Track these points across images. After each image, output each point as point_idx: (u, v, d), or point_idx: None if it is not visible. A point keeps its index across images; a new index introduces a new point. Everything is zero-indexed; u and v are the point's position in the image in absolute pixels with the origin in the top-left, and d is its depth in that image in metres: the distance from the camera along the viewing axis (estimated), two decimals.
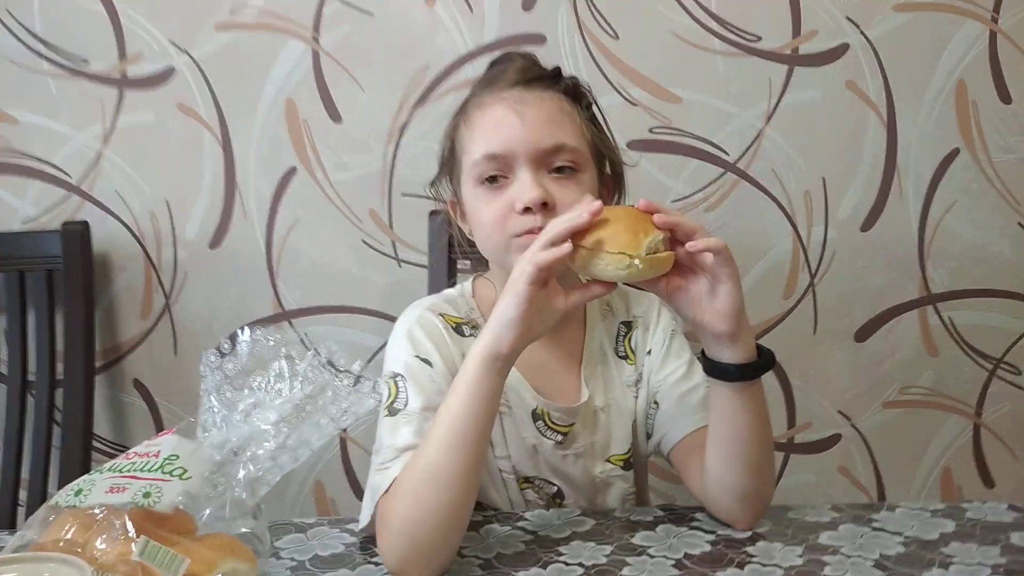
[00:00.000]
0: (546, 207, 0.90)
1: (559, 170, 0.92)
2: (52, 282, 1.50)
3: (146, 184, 1.53)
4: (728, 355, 0.84)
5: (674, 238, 0.83)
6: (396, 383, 0.94)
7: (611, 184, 1.04)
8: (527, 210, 0.90)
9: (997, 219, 1.52)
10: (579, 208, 0.82)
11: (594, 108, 1.03)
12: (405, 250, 1.54)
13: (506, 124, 0.91)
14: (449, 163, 1.03)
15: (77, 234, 1.47)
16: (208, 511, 0.85)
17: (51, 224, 1.53)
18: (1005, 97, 1.49)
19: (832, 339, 1.55)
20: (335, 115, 1.50)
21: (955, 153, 1.51)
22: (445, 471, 0.83)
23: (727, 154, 1.50)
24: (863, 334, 1.55)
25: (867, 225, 1.53)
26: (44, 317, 1.50)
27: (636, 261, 0.80)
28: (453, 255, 1.40)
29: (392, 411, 0.93)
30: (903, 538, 0.91)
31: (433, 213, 1.44)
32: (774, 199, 1.52)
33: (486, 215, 0.94)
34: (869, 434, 1.59)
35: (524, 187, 0.91)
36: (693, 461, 0.95)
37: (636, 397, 1.04)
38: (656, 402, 1.02)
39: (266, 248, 1.54)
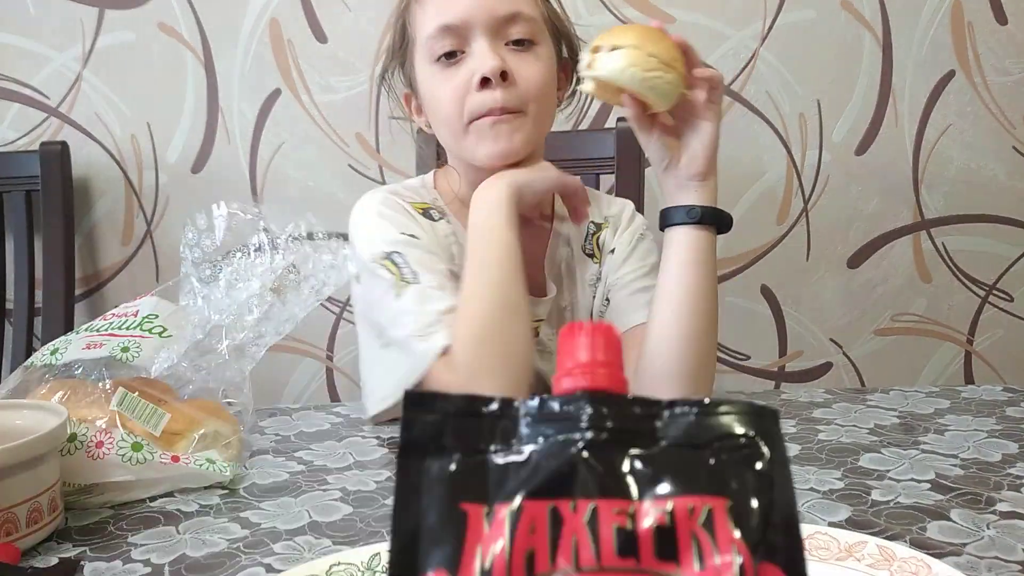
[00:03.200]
0: (505, 79, 0.86)
1: (517, 43, 0.88)
2: (31, 204, 1.46)
3: (127, 107, 1.50)
4: (695, 197, 0.82)
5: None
6: (393, 260, 0.88)
7: (569, 69, 1.00)
8: (485, 83, 0.86)
9: (991, 143, 1.51)
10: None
11: None
12: (392, 175, 1.51)
13: None
14: (400, 48, 0.97)
15: (55, 153, 1.43)
16: (191, 387, 0.82)
17: (30, 148, 1.49)
18: (1001, 18, 1.47)
19: (825, 266, 1.53)
20: (320, 35, 1.47)
21: (950, 75, 1.49)
22: (514, 299, 0.82)
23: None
24: (856, 260, 1.54)
25: (861, 149, 1.51)
26: (23, 242, 1.46)
27: (663, 71, 0.74)
28: None
29: (403, 286, 0.86)
30: (898, 412, 0.89)
31: (420, 132, 1.41)
32: (768, 122, 1.50)
33: (443, 94, 0.88)
34: (860, 362, 1.57)
35: (481, 57, 0.86)
36: (631, 355, 0.91)
37: (594, 297, 1.01)
38: (608, 299, 0.99)
39: (250, 173, 1.51)
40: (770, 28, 1.47)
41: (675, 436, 0.30)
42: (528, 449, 0.30)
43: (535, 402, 0.31)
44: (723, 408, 0.31)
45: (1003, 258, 1.55)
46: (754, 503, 0.29)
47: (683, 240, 0.83)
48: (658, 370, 0.84)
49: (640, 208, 1.12)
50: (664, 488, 0.29)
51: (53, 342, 0.75)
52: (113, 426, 0.68)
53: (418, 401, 0.31)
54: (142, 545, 0.63)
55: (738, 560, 0.28)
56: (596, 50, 0.77)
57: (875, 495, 0.68)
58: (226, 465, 0.72)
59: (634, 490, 0.29)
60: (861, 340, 1.56)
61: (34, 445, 0.61)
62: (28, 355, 1.47)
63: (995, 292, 1.56)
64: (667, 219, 0.85)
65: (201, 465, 0.71)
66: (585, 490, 0.29)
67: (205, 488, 0.72)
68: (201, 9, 1.46)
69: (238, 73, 1.49)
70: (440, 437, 0.30)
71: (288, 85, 1.48)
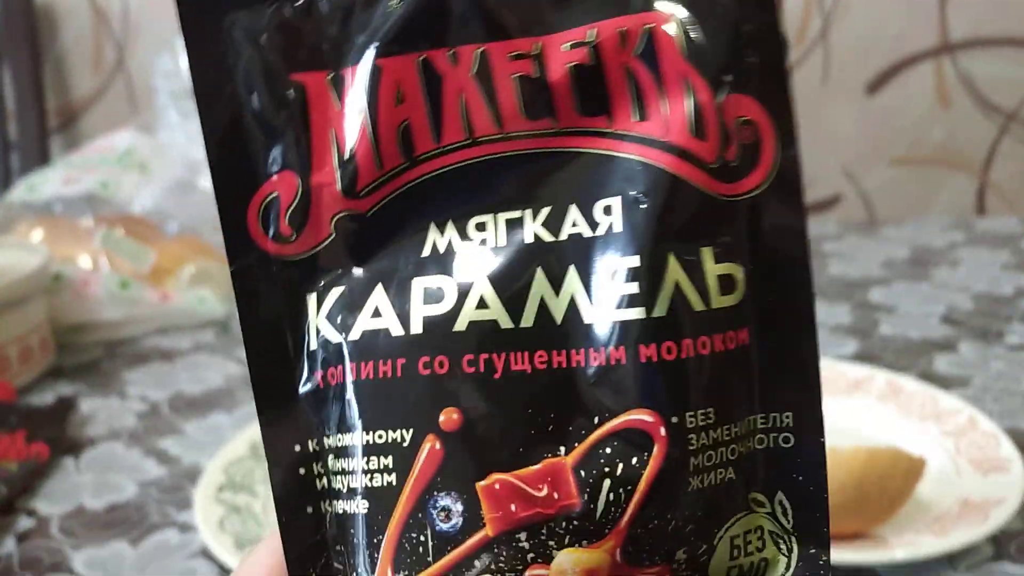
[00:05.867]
0: None
1: None
2: None
3: None
4: None
5: None
6: None
7: None
8: None
9: None
10: None
11: None
12: None
13: None
14: None
15: None
16: (176, 224, 0.79)
17: None
18: None
19: (843, 91, 1.45)
20: None
21: None
22: None
23: None
24: (875, 85, 1.46)
25: None
26: None
27: None
28: None
29: None
30: (910, 246, 0.87)
31: None
32: None
33: None
34: (872, 195, 1.53)
35: None
36: None
37: None
38: None
39: None
40: None
41: None
42: None
43: None
44: None
45: None
46: (712, 12, 0.19)
47: None
48: None
49: None
50: (582, 10, 0.20)
51: (30, 177, 0.71)
52: (98, 265, 0.65)
53: None
54: (138, 382, 0.62)
55: (691, 101, 0.19)
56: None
57: (883, 329, 0.67)
58: (219, 302, 0.70)
59: (536, 18, 0.20)
60: (875, 171, 1.51)
61: (16, 287, 0.59)
62: (6, 188, 1.43)
63: (1015, 121, 1.49)
64: None
65: (193, 303, 0.69)
66: (465, 31, 0.20)
67: (199, 326, 0.71)
68: None
69: None
70: None
71: None
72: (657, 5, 0.20)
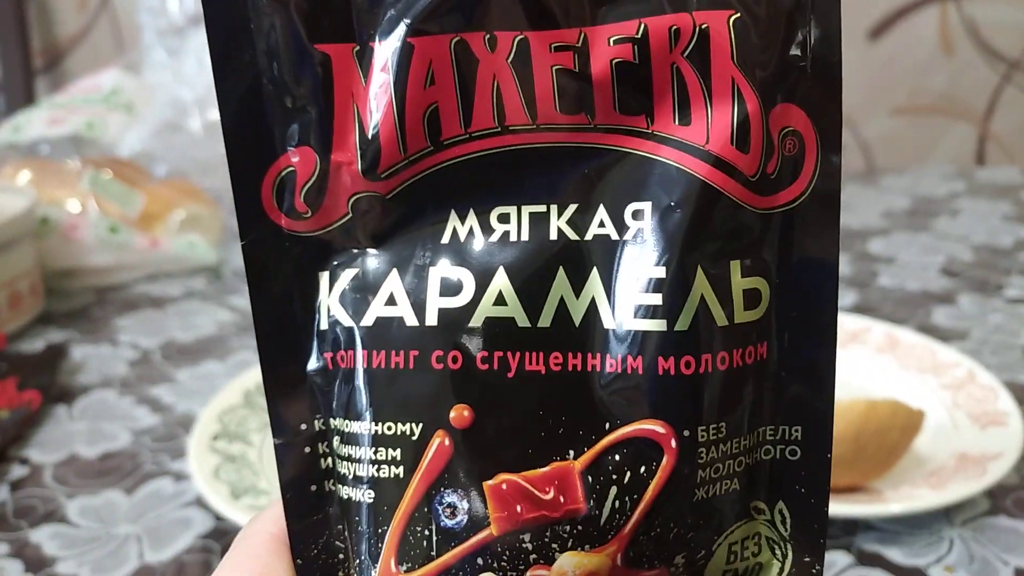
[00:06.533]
0: None
1: None
2: None
3: None
4: None
5: None
6: None
7: None
8: None
9: None
10: None
11: None
12: None
13: None
14: None
15: None
16: (164, 167, 0.77)
17: None
18: None
19: (844, 36, 1.42)
20: None
21: None
22: None
23: None
24: (877, 31, 1.43)
25: None
26: None
27: None
28: None
29: None
30: (910, 196, 0.86)
31: None
32: None
33: None
34: (872, 144, 1.52)
35: None
36: None
37: None
38: None
39: None
40: None
41: None
42: None
43: None
44: None
45: None
46: (768, 15, 0.18)
47: None
48: None
49: None
50: (634, 2, 0.19)
51: (14, 118, 0.69)
52: (87, 208, 0.64)
53: None
54: (129, 329, 0.62)
55: (737, 110, 0.18)
56: None
57: (883, 280, 0.66)
58: (209, 248, 0.69)
59: (583, 8, 0.19)
60: (875, 120, 1.49)
61: (3, 230, 0.58)
62: None
63: (1018, 70, 1.47)
64: None
65: (183, 248, 0.68)
66: (506, 16, 0.19)
67: (189, 273, 0.70)
68: None
69: None
70: None
71: None
72: (711, 5, 0.18)
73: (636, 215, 0.19)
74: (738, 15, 0.18)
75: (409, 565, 0.19)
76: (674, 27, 0.18)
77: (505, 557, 0.19)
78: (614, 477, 0.19)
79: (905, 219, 0.80)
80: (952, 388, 0.48)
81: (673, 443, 0.19)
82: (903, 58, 1.47)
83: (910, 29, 1.44)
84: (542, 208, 0.19)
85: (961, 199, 0.85)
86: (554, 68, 0.19)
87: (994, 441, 0.42)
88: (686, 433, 0.19)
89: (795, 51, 0.19)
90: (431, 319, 0.19)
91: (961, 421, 0.45)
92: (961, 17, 1.44)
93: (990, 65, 1.48)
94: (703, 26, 0.18)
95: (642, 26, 0.19)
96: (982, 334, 0.57)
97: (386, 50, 0.19)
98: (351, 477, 0.20)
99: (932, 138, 1.53)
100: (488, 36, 0.19)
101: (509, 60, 0.19)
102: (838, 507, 0.38)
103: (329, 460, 0.21)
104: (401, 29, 0.19)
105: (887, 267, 0.69)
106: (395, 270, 0.20)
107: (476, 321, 0.19)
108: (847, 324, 0.55)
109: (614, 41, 0.19)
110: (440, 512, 0.19)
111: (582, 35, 0.19)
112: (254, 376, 0.49)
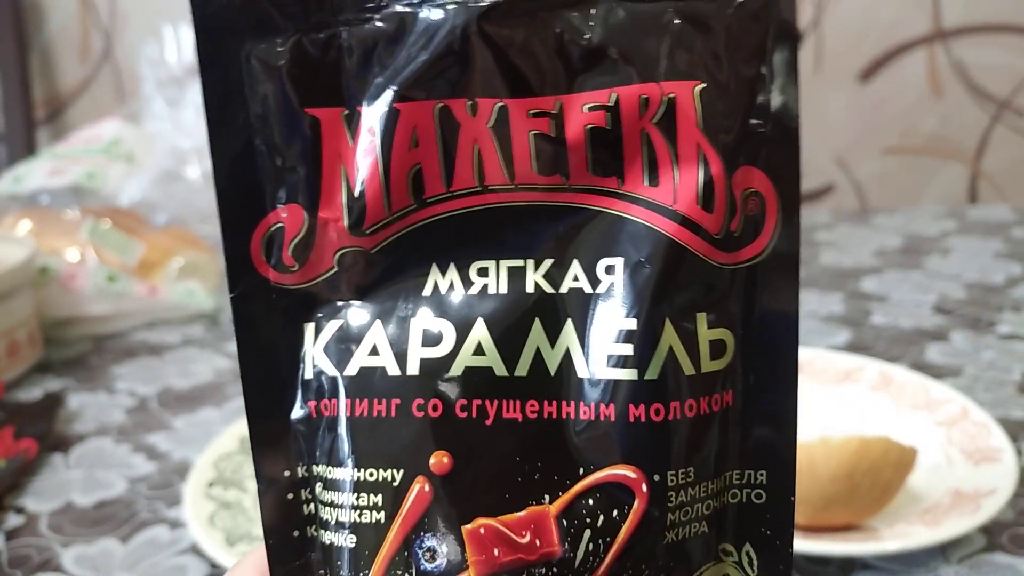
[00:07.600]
0: None
1: None
2: None
3: None
4: None
5: None
6: None
7: None
8: None
9: None
10: None
11: None
12: None
13: None
14: None
15: None
16: (164, 216, 0.78)
17: None
18: None
19: (835, 79, 1.45)
20: None
21: None
22: None
23: None
24: (868, 73, 1.46)
25: None
26: None
27: None
28: None
29: None
30: (902, 235, 0.87)
31: None
32: None
33: None
34: (864, 184, 1.53)
35: None
36: None
37: None
38: None
39: None
40: None
41: None
42: (396, 14, 0.20)
43: None
44: None
45: (1021, 73, 1.47)
46: (731, 85, 0.19)
47: None
48: None
49: None
50: (606, 73, 0.20)
51: (15, 169, 0.70)
52: (86, 257, 0.65)
53: None
54: (126, 377, 0.62)
55: (702, 173, 0.19)
56: None
57: (876, 319, 0.67)
58: (208, 295, 0.69)
59: (559, 78, 0.20)
60: (867, 160, 1.51)
61: (2, 280, 0.58)
62: None
63: (1009, 109, 1.49)
64: None
65: (182, 296, 0.68)
66: (487, 84, 0.20)
67: (187, 320, 0.70)
68: None
69: None
70: (257, 4, 0.20)
71: None
72: (678, 76, 0.20)
73: (608, 270, 0.20)
74: (704, 85, 0.20)
75: None
76: (644, 96, 0.20)
77: None
78: (588, 520, 0.19)
79: (898, 258, 0.81)
80: (946, 425, 0.48)
81: (644, 487, 0.19)
82: (894, 100, 1.49)
83: (900, 71, 1.47)
84: (519, 263, 0.20)
85: (952, 238, 0.86)
86: (532, 133, 0.20)
87: (988, 477, 0.42)
88: (656, 478, 0.19)
89: (757, 118, 0.20)
90: (412, 369, 0.20)
91: (955, 457, 0.45)
92: (949, 59, 1.46)
93: (980, 105, 1.50)
94: (671, 96, 0.20)
95: (614, 96, 0.20)
96: (975, 370, 0.57)
97: (373, 114, 0.20)
98: (333, 522, 0.20)
99: (924, 178, 1.55)
100: (470, 103, 0.20)
101: (490, 125, 0.20)
102: (834, 546, 0.38)
103: (312, 506, 0.21)
104: (388, 95, 0.20)
105: (880, 305, 0.69)
106: (378, 321, 0.21)
107: (456, 370, 0.20)
108: (840, 363, 0.55)
109: (588, 108, 0.20)
110: (420, 556, 0.20)
111: (558, 103, 0.20)
112: None
